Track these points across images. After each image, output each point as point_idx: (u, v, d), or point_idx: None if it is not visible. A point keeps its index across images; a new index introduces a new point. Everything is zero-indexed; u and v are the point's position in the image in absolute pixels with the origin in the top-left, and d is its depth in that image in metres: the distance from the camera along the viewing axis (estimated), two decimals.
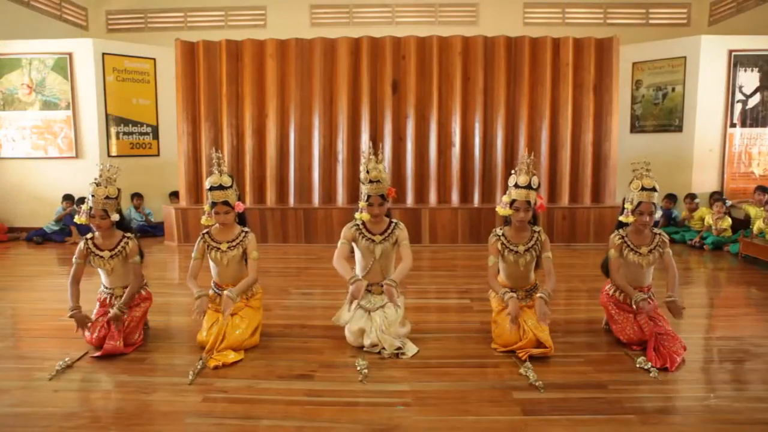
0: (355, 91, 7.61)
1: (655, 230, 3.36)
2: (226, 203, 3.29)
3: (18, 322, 4.01)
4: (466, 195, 7.66)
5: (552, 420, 2.39)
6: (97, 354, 3.12)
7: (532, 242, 3.30)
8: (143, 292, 3.47)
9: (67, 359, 3.02)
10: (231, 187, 3.32)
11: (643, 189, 3.23)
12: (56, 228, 7.72)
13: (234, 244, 3.34)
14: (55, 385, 2.76)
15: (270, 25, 9.74)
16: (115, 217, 3.31)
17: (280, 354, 3.19)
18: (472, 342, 3.38)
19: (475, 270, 5.66)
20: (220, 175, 3.30)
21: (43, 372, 2.90)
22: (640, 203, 3.23)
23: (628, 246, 3.33)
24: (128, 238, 3.38)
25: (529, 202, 3.20)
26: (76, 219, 3.30)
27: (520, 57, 7.54)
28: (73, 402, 2.58)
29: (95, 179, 3.29)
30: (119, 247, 3.34)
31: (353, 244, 3.40)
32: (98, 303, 3.40)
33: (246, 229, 3.42)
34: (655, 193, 3.23)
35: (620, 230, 3.39)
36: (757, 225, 6.34)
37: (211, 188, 3.28)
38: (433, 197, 7.63)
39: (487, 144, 7.65)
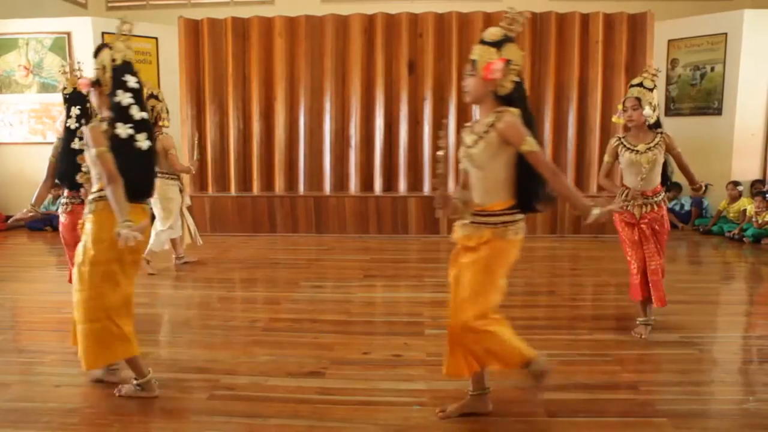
0: (368, 72, 7.57)
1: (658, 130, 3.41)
2: None
3: (17, 314, 4.09)
4: None
5: (577, 422, 2.39)
6: None
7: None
8: None
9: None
10: None
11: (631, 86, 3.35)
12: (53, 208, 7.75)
13: None
14: (56, 380, 2.81)
15: (278, 1, 9.68)
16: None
17: (289, 350, 3.21)
18: None
19: None
20: None
21: (43, 366, 2.96)
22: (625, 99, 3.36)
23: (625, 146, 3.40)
24: None
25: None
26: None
27: (545, 34, 7.44)
28: (74, 397, 2.63)
29: None
30: None
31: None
32: None
33: None
34: (640, 89, 3.29)
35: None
36: None
37: None
38: (452, 185, 7.60)
39: None
